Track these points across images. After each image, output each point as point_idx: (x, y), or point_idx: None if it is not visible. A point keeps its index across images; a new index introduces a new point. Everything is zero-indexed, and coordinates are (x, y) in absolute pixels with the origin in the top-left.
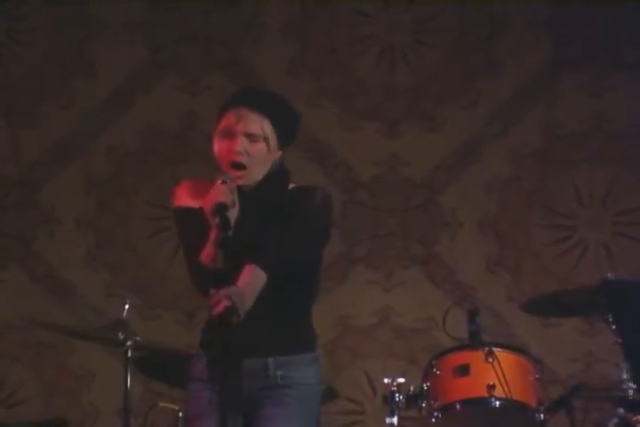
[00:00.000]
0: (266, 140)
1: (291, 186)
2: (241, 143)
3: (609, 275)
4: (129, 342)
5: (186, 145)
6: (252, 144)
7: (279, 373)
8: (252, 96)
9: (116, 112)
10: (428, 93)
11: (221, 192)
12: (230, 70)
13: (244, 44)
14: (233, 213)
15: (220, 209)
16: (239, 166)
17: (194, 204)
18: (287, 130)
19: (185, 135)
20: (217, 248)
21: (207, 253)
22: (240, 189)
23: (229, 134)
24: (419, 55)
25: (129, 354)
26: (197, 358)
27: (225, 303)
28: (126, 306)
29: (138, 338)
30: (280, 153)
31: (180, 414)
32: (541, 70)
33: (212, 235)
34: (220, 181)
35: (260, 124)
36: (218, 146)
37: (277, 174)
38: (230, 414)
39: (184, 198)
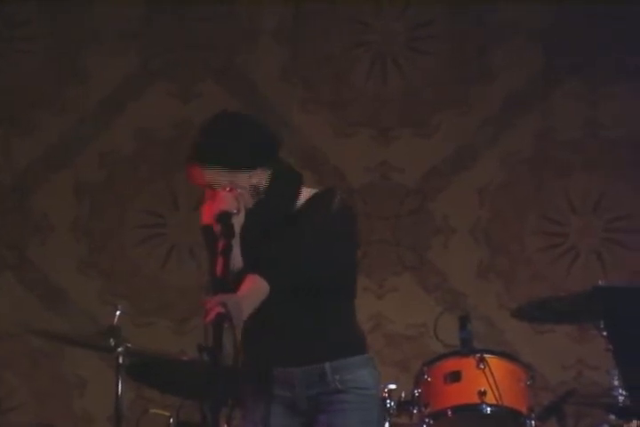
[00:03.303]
0: (239, 185)
1: (311, 191)
2: (220, 196)
3: (600, 281)
4: (120, 349)
5: (178, 151)
6: (229, 191)
7: (337, 377)
8: (201, 149)
9: (109, 119)
10: (420, 100)
11: (225, 199)
12: (223, 77)
13: (238, 51)
14: (239, 221)
15: (223, 217)
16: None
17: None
18: (256, 157)
19: (177, 142)
20: (222, 256)
21: (218, 264)
22: None
23: (207, 186)
24: (412, 62)
25: (120, 361)
26: (249, 371)
27: (217, 310)
28: (118, 312)
29: (129, 345)
30: (264, 172)
31: (172, 420)
32: (535, 77)
33: (219, 244)
34: (227, 189)
35: (222, 177)
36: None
37: (282, 183)
38: (286, 420)
39: (207, 216)
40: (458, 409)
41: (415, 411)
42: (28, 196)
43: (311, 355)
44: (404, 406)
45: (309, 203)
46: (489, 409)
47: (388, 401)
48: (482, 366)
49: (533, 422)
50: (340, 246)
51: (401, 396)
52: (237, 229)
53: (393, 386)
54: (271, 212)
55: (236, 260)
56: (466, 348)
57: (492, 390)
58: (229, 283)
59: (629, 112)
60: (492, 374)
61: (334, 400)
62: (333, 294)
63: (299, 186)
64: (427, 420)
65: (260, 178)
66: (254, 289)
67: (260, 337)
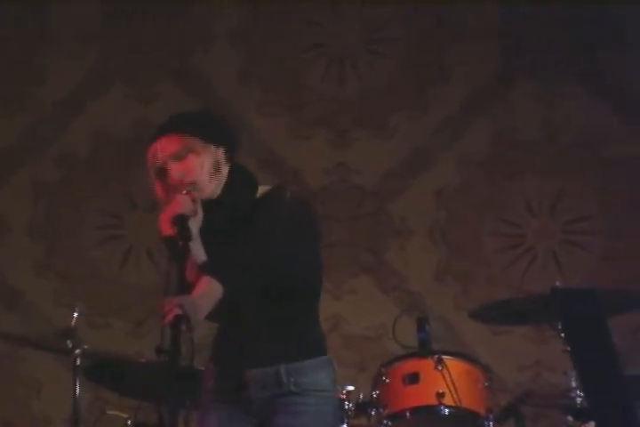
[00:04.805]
0: (192, 150)
1: (263, 189)
2: (173, 171)
3: (558, 283)
4: (77, 351)
5: (136, 152)
6: (181, 163)
7: (292, 379)
8: (158, 128)
9: (66, 120)
10: (378, 101)
11: (181, 202)
12: (181, 79)
13: (195, 52)
14: (196, 223)
15: (178, 220)
16: (190, 189)
17: None
18: (213, 131)
19: (135, 143)
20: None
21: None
22: (205, 200)
23: (161, 172)
24: (368, 64)
25: (77, 362)
26: (209, 372)
27: (176, 312)
28: (75, 314)
29: (86, 346)
30: (222, 154)
31: (129, 421)
32: (493, 79)
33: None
34: (184, 192)
35: (175, 143)
36: (158, 188)
37: (239, 182)
38: (241, 422)
39: (165, 227)
40: (416, 411)
41: (373, 412)
42: None
43: (266, 357)
44: (362, 407)
45: (261, 203)
46: (447, 411)
47: (346, 403)
48: (440, 368)
49: (491, 424)
50: (296, 244)
51: (359, 397)
52: (195, 231)
53: (351, 387)
54: (228, 212)
55: (201, 260)
56: (424, 349)
57: (450, 391)
58: (187, 285)
59: (586, 113)
60: (450, 375)
61: (290, 402)
62: (293, 296)
63: (255, 186)
64: (385, 421)
65: (222, 158)
66: (209, 291)
67: (222, 340)
